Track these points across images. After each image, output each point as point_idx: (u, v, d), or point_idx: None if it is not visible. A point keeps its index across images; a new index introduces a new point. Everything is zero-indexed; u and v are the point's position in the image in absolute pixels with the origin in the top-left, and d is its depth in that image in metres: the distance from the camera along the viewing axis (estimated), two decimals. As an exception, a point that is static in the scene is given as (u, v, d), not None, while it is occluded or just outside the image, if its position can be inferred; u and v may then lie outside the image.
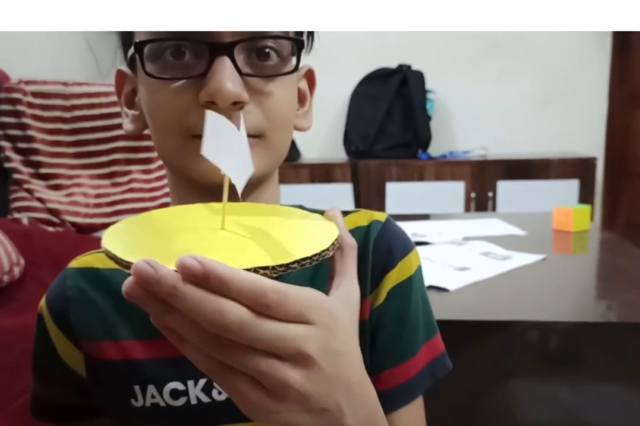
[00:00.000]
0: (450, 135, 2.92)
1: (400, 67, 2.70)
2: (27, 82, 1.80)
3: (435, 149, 2.76)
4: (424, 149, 2.70)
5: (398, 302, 0.56)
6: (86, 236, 1.68)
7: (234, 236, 0.36)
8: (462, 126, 2.91)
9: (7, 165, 1.77)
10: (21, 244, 1.47)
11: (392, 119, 2.67)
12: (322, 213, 0.60)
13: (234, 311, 0.30)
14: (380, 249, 0.57)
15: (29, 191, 1.75)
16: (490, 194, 2.56)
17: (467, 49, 2.80)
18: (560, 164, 2.55)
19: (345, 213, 0.60)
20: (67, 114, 1.84)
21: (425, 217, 1.78)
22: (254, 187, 0.52)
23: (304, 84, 0.58)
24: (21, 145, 1.78)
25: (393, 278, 0.56)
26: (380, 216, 0.60)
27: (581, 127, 2.84)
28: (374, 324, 0.56)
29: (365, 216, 0.59)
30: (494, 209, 2.55)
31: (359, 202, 2.58)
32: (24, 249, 1.46)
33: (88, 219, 1.80)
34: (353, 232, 0.57)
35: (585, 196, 2.54)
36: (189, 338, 0.32)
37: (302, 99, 0.58)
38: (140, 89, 0.52)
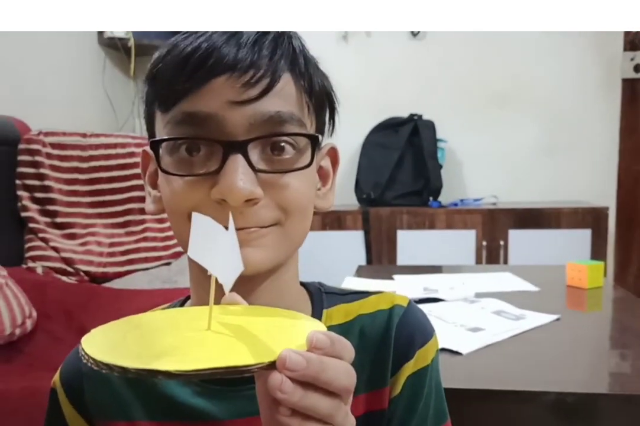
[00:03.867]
0: (461, 183, 2.93)
1: (412, 116, 2.74)
2: (47, 134, 1.84)
3: (446, 197, 2.77)
4: (435, 197, 2.71)
5: (411, 391, 0.56)
6: (99, 287, 1.68)
7: (219, 336, 0.37)
8: (473, 174, 2.92)
9: (23, 214, 1.80)
10: (34, 295, 1.48)
11: (403, 167, 2.70)
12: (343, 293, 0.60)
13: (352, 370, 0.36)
14: (402, 336, 0.56)
15: (44, 240, 1.77)
16: (501, 242, 2.55)
17: (477, 99, 2.84)
18: (572, 214, 2.55)
19: (366, 294, 0.60)
20: (85, 165, 1.88)
21: (437, 269, 1.78)
22: (270, 272, 0.52)
23: (326, 163, 0.57)
24: (38, 195, 1.81)
25: (410, 368, 0.56)
26: (401, 300, 0.59)
27: (592, 177, 2.85)
28: (390, 414, 0.56)
29: (386, 299, 0.59)
30: (505, 257, 2.54)
31: (370, 250, 2.58)
32: (36, 300, 1.46)
33: (101, 268, 1.81)
34: (374, 315, 0.57)
35: (598, 246, 2.52)
36: (322, 410, 0.34)
37: (324, 178, 0.57)
38: (159, 175, 0.53)
